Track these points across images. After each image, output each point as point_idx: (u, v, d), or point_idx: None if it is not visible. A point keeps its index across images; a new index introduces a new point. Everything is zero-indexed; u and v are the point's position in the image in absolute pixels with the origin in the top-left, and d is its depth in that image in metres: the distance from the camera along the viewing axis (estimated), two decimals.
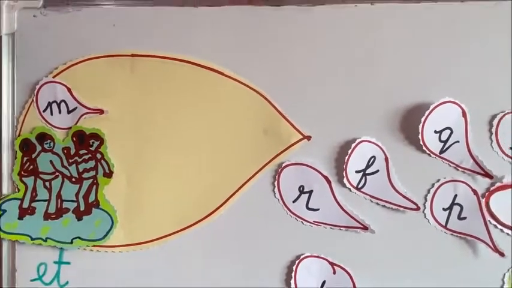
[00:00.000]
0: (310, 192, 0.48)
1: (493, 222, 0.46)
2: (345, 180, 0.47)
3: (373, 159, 0.47)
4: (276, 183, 0.48)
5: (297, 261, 0.48)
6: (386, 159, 0.47)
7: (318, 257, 0.48)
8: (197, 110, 0.48)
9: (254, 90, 0.48)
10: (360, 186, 0.47)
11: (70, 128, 0.49)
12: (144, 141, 0.49)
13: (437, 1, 0.46)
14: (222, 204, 0.49)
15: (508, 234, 0.46)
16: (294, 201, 0.48)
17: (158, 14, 0.48)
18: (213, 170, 0.49)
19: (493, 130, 0.46)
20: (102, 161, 0.48)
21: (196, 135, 0.48)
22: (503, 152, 0.46)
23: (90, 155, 0.48)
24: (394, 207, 0.47)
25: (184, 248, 0.49)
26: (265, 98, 0.48)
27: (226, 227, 0.49)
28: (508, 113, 0.45)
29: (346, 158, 0.46)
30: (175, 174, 0.49)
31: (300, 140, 0.48)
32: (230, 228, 0.49)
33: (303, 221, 0.48)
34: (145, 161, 0.49)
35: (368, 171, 0.47)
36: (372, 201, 0.47)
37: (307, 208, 0.48)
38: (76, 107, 0.48)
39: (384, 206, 0.47)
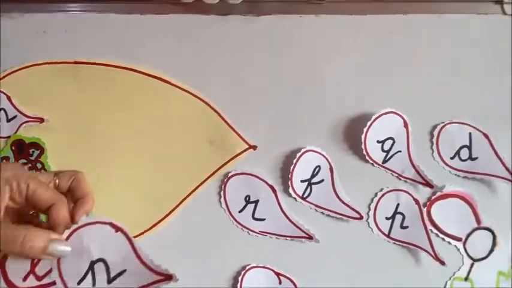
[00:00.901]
0: (256, 201, 0.48)
1: (435, 231, 0.47)
2: (291, 190, 0.47)
3: (318, 168, 0.47)
4: (222, 193, 0.48)
5: (243, 272, 0.47)
6: (331, 168, 0.47)
7: (264, 267, 0.48)
8: (142, 120, 0.48)
9: (200, 99, 0.47)
10: (305, 195, 0.47)
11: (9, 137, 0.47)
12: (86, 150, 0.48)
13: (381, 13, 0.47)
14: (168, 215, 0.48)
15: (449, 243, 0.47)
16: (240, 211, 0.48)
17: (103, 21, 0.48)
18: (157, 180, 0.48)
19: (434, 140, 0.47)
20: (43, 171, 0.47)
21: (140, 144, 0.48)
22: (443, 161, 0.47)
23: (30, 165, 0.47)
24: (338, 216, 0.47)
25: None
26: (212, 108, 0.48)
27: (171, 237, 0.48)
28: (448, 123, 0.46)
29: (292, 167, 0.47)
30: (119, 184, 0.48)
31: (246, 149, 0.47)
32: (176, 238, 0.48)
33: (249, 231, 0.48)
34: (87, 171, 0.48)
35: (313, 180, 0.47)
36: (316, 211, 0.47)
37: (253, 218, 0.48)
38: (16, 116, 0.47)
39: (328, 215, 0.47)
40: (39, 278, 0.35)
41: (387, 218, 0.47)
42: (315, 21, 0.47)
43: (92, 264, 0.34)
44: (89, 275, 0.34)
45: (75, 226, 0.34)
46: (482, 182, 0.47)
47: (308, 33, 0.47)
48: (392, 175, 0.47)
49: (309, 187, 0.47)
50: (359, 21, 0.47)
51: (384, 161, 0.47)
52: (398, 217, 0.47)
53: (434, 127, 0.47)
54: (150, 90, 0.47)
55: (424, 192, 0.47)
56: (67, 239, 0.34)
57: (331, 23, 0.47)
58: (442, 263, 0.46)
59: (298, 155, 0.47)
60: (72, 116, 0.47)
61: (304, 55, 0.47)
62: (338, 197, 0.47)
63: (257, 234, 0.48)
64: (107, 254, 0.35)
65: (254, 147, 0.47)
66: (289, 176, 0.47)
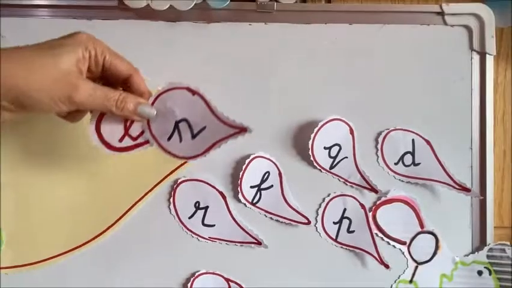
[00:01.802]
0: (206, 208, 0.48)
1: (380, 235, 0.48)
2: (240, 196, 0.47)
3: (267, 174, 0.48)
4: (171, 199, 0.47)
5: (192, 278, 0.47)
6: (280, 174, 0.48)
7: (213, 273, 0.48)
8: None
9: None
10: (254, 201, 0.48)
11: None
12: (31, 158, 0.47)
13: (326, 23, 0.48)
14: (116, 222, 0.47)
15: (394, 246, 0.48)
16: (189, 218, 0.48)
17: (51, 26, 0.47)
18: (106, 186, 0.47)
19: (379, 146, 0.48)
20: None
21: (88, 149, 0.47)
22: (388, 167, 0.48)
23: None
24: (287, 221, 0.48)
25: (76, 268, 0.47)
26: None
27: (120, 244, 0.47)
28: (392, 130, 0.48)
29: (241, 173, 0.47)
30: (66, 192, 0.47)
31: None
32: (124, 245, 0.48)
33: (199, 238, 0.48)
34: (34, 179, 0.47)
35: (262, 186, 0.48)
36: (266, 216, 0.48)
37: (203, 224, 0.48)
38: None
39: (277, 220, 0.48)
40: (133, 139, 0.40)
41: (334, 223, 0.48)
42: (264, 30, 0.48)
43: (177, 123, 0.40)
44: (176, 133, 0.40)
45: (157, 93, 0.39)
46: (425, 187, 0.48)
47: (257, 41, 0.48)
48: (339, 180, 0.48)
49: (259, 193, 0.48)
50: (306, 30, 0.48)
51: (331, 167, 0.48)
52: (345, 221, 0.48)
53: (379, 134, 0.48)
54: None
55: (369, 197, 0.48)
56: (152, 104, 0.40)
57: (279, 32, 0.48)
58: (387, 266, 0.47)
59: (248, 161, 0.47)
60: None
61: (253, 62, 0.48)
62: (287, 203, 0.48)
63: (207, 241, 0.48)
64: (188, 114, 0.39)
65: None
66: (239, 182, 0.47)
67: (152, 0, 0.46)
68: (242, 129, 0.39)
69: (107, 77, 0.38)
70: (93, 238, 0.47)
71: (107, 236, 0.47)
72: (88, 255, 0.47)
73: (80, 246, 0.47)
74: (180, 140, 0.40)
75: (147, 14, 0.47)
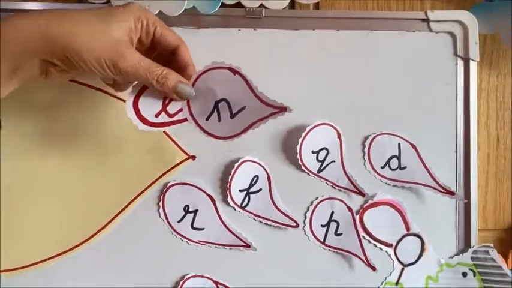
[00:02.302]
0: (195, 211, 0.48)
1: (367, 237, 0.49)
2: (229, 199, 0.48)
3: (256, 178, 0.48)
4: (160, 203, 0.48)
5: (181, 282, 0.48)
6: (268, 178, 0.48)
7: (202, 276, 0.48)
8: (80, 129, 0.47)
9: None
10: (243, 205, 0.48)
11: None
12: (20, 160, 0.47)
13: (314, 29, 0.49)
14: (106, 225, 0.48)
15: (380, 249, 0.49)
16: (179, 221, 0.48)
17: None
18: (95, 190, 0.48)
19: (366, 150, 0.49)
20: None
21: (78, 153, 0.47)
22: (375, 171, 0.49)
23: None
24: (275, 224, 0.48)
25: (65, 272, 0.48)
26: None
27: (109, 248, 0.48)
28: (378, 134, 0.49)
29: (230, 177, 0.47)
30: (56, 195, 0.47)
31: (185, 159, 0.48)
32: (114, 249, 0.48)
33: (188, 241, 0.48)
34: (22, 182, 0.47)
35: (251, 190, 0.48)
36: (255, 220, 0.48)
37: (192, 228, 0.48)
38: None
39: (266, 223, 0.48)
40: (171, 116, 0.41)
41: (322, 226, 0.49)
42: (252, 35, 0.48)
43: (217, 103, 0.40)
44: (215, 112, 0.40)
45: (199, 72, 0.40)
46: (410, 190, 0.49)
47: (246, 46, 0.48)
48: (327, 184, 0.48)
49: (247, 196, 0.48)
50: (294, 36, 0.48)
51: (319, 171, 0.48)
52: (333, 224, 0.48)
53: (366, 138, 0.49)
54: (88, 100, 0.47)
55: (356, 200, 0.49)
56: (193, 84, 0.40)
57: (268, 37, 0.48)
58: (373, 268, 0.48)
59: (237, 165, 0.47)
60: (3, 123, 0.47)
61: (241, 68, 0.48)
62: (275, 206, 0.48)
63: (196, 244, 0.48)
64: (228, 94, 0.40)
65: (193, 157, 0.48)
66: (228, 185, 0.47)
67: (142, 6, 0.47)
68: (282, 109, 0.40)
69: (156, 47, 0.39)
70: (83, 242, 0.47)
71: (96, 239, 0.48)
72: (78, 258, 0.48)
73: (70, 249, 0.47)
74: (219, 120, 0.40)
75: None
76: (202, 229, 0.48)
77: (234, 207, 0.48)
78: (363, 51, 0.49)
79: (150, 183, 0.48)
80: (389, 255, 0.49)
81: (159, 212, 0.48)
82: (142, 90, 0.40)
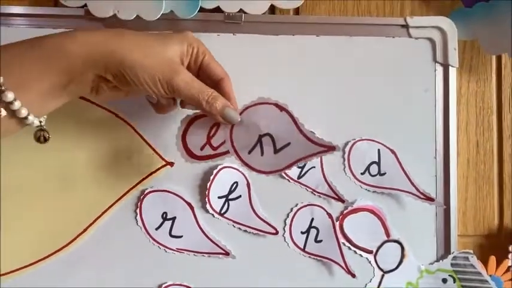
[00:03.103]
0: (173, 219, 0.47)
1: (347, 244, 0.48)
2: (208, 206, 0.47)
3: (235, 184, 0.48)
4: (138, 210, 0.47)
5: None
6: (248, 184, 0.48)
7: (180, 285, 0.47)
8: (58, 134, 0.46)
9: (116, 115, 0.47)
10: (222, 211, 0.48)
11: None
12: None
13: (294, 34, 0.49)
14: (82, 233, 0.47)
15: (361, 255, 0.49)
16: (156, 229, 0.47)
17: (15, 35, 0.46)
18: (72, 197, 0.47)
19: (346, 156, 0.48)
20: None
21: (55, 159, 0.46)
22: (354, 177, 0.48)
23: None
24: (255, 232, 0.48)
25: (40, 281, 0.46)
26: (129, 124, 0.47)
27: (86, 256, 0.47)
28: (358, 140, 0.48)
29: (209, 183, 0.47)
30: (31, 202, 0.46)
31: (163, 166, 0.47)
32: (90, 257, 0.47)
33: (166, 249, 0.47)
34: None
35: (230, 196, 0.48)
36: (234, 227, 0.48)
37: (170, 235, 0.47)
38: None
39: (245, 231, 0.48)
40: (214, 148, 0.42)
41: (302, 233, 0.48)
42: (232, 40, 0.48)
43: (260, 137, 0.40)
44: (257, 146, 0.40)
45: (244, 106, 0.41)
46: (390, 196, 0.49)
47: (225, 51, 0.48)
48: (307, 190, 0.48)
49: (227, 203, 0.48)
50: (274, 41, 0.48)
51: (299, 177, 0.48)
52: (313, 231, 0.48)
53: (346, 144, 0.49)
54: (68, 107, 0.46)
55: (336, 207, 0.48)
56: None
57: (247, 43, 0.48)
58: (353, 275, 0.47)
59: (215, 171, 0.47)
60: None
61: None
62: (255, 213, 0.48)
63: (174, 252, 0.47)
64: (273, 129, 0.40)
65: (171, 164, 0.47)
66: (207, 192, 0.47)
67: (119, 9, 0.46)
68: (330, 148, 0.40)
69: (200, 76, 0.40)
70: (58, 250, 0.46)
71: (72, 248, 0.47)
72: (53, 267, 0.46)
73: (45, 258, 0.46)
74: (262, 154, 0.40)
75: (115, 23, 0.47)
76: (180, 237, 0.47)
77: (212, 214, 0.47)
78: (342, 57, 0.49)
79: (127, 190, 0.47)
80: (370, 262, 0.49)
81: (136, 220, 0.47)
82: (188, 125, 0.42)
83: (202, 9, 0.47)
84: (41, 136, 0.36)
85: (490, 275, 0.49)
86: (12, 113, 0.33)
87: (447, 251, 0.49)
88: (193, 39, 0.39)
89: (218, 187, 0.47)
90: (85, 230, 0.47)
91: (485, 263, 0.50)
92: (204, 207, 0.47)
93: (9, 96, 0.32)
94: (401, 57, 0.49)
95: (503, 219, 0.53)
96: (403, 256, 0.49)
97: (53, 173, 0.47)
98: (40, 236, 0.47)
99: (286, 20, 0.49)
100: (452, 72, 0.50)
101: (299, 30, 0.49)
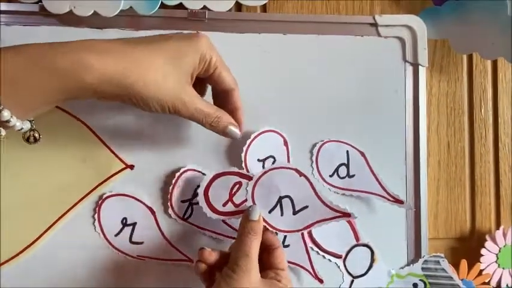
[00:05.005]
0: (134, 224, 0.45)
1: (315, 248, 0.47)
2: (170, 211, 0.45)
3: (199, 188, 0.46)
4: (96, 215, 0.45)
5: None
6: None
7: None
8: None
9: (72, 115, 0.45)
10: (186, 216, 0.46)
11: None
12: None
13: (260, 33, 0.47)
14: (36, 241, 0.44)
15: (329, 260, 0.47)
16: (116, 235, 0.45)
17: None
18: (23, 203, 0.44)
19: (314, 158, 0.47)
20: None
21: (8, 162, 0.44)
22: (323, 179, 0.47)
23: None
24: (221, 237, 0.46)
25: None
26: (85, 124, 0.45)
27: (40, 265, 0.44)
28: (326, 141, 0.47)
29: (171, 187, 0.45)
30: None
31: (123, 169, 0.45)
32: (45, 266, 0.44)
33: (127, 256, 0.45)
34: None
35: (194, 200, 0.46)
36: (199, 232, 0.46)
37: (131, 242, 0.45)
38: None
39: (210, 236, 0.46)
40: (236, 205, 0.44)
41: None
42: None
43: (280, 199, 0.42)
44: (278, 207, 0.42)
45: (267, 168, 0.43)
46: (360, 199, 0.47)
47: None
48: None
49: (190, 207, 0.46)
50: (239, 39, 0.47)
51: None
52: (280, 235, 0.46)
53: (314, 145, 0.47)
54: None
55: None
56: (259, 178, 0.43)
57: (212, 40, 0.46)
58: (321, 281, 0.46)
59: (178, 174, 0.45)
60: None
61: None
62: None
63: (135, 259, 0.45)
64: (293, 192, 0.42)
65: (131, 167, 0.45)
66: (169, 196, 0.45)
67: (75, 5, 0.44)
68: (345, 215, 0.43)
69: (210, 83, 0.41)
70: (10, 258, 0.44)
71: (26, 255, 0.44)
72: (5, 276, 0.44)
73: None
74: (281, 214, 0.42)
75: (72, 20, 0.45)
76: (141, 243, 0.45)
77: (175, 219, 0.45)
78: (310, 56, 0.47)
79: (85, 194, 0.45)
80: (339, 267, 0.47)
81: (94, 225, 0.45)
82: (211, 181, 0.44)
83: (164, 6, 0.45)
84: (30, 136, 0.36)
85: (462, 279, 0.48)
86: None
87: (418, 255, 0.48)
88: (208, 49, 0.38)
89: (181, 191, 0.45)
90: (39, 236, 0.44)
91: (456, 266, 0.49)
92: (166, 211, 0.45)
93: (5, 115, 0.31)
94: (371, 57, 0.48)
95: (475, 222, 0.52)
96: (373, 261, 0.47)
97: (3, 178, 0.44)
98: None
99: (252, 18, 0.48)
100: (422, 72, 0.49)
101: (265, 29, 0.47)
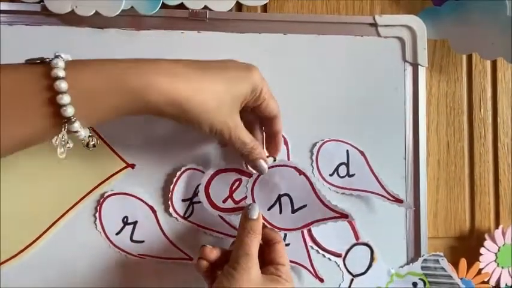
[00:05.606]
0: (135, 223, 0.45)
1: (315, 247, 0.47)
2: (171, 210, 0.45)
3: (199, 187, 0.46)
4: (97, 214, 0.45)
5: None
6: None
7: None
8: None
9: None
10: (186, 215, 0.46)
11: None
12: None
13: (260, 32, 0.47)
14: (36, 240, 0.44)
15: (329, 259, 0.47)
16: (117, 234, 0.45)
17: None
18: (26, 201, 0.44)
19: (313, 157, 0.47)
20: None
21: (9, 161, 0.44)
22: (323, 178, 0.47)
23: None
24: (220, 236, 0.46)
25: None
26: None
27: (42, 264, 0.44)
28: (326, 141, 0.47)
29: (172, 186, 0.45)
30: None
31: (123, 168, 0.45)
32: (47, 265, 0.44)
33: (127, 255, 0.45)
34: None
35: (195, 199, 0.46)
36: (199, 230, 0.46)
37: (132, 240, 0.45)
38: None
39: (210, 234, 0.46)
40: (236, 202, 0.44)
41: None
42: (196, 38, 0.47)
43: (280, 196, 0.43)
44: (277, 205, 0.43)
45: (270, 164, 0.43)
46: (360, 198, 0.48)
47: (189, 49, 0.46)
48: None
49: (191, 206, 0.46)
50: (240, 39, 0.47)
51: None
52: (281, 234, 0.47)
53: (314, 145, 0.47)
54: None
55: None
56: (259, 176, 0.43)
57: (212, 41, 0.47)
58: (321, 280, 0.46)
59: (179, 173, 0.45)
60: None
61: None
62: (221, 216, 0.46)
63: (136, 257, 0.45)
64: (292, 191, 0.43)
65: (132, 166, 0.46)
66: (169, 195, 0.45)
67: (77, 5, 0.44)
68: (343, 215, 0.43)
69: (261, 111, 0.41)
70: (11, 257, 0.44)
71: (27, 253, 0.44)
72: (6, 275, 0.44)
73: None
74: (280, 212, 0.43)
75: (73, 20, 0.45)
76: (142, 242, 0.45)
77: (176, 218, 0.46)
78: (310, 56, 0.48)
79: (86, 193, 0.45)
80: (338, 266, 0.47)
81: (95, 224, 0.45)
82: (212, 177, 0.44)
83: (165, 6, 0.46)
84: (89, 142, 0.37)
85: (461, 278, 0.49)
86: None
87: (417, 254, 0.48)
88: (259, 82, 0.39)
89: (182, 190, 0.46)
90: (41, 235, 0.44)
91: (456, 265, 0.49)
92: (167, 210, 0.46)
93: (76, 126, 0.33)
94: (370, 57, 0.48)
95: (475, 221, 0.52)
96: (372, 259, 0.47)
97: (5, 176, 0.44)
98: None
99: (253, 18, 0.48)
100: (422, 72, 0.49)
101: (266, 29, 0.47)
